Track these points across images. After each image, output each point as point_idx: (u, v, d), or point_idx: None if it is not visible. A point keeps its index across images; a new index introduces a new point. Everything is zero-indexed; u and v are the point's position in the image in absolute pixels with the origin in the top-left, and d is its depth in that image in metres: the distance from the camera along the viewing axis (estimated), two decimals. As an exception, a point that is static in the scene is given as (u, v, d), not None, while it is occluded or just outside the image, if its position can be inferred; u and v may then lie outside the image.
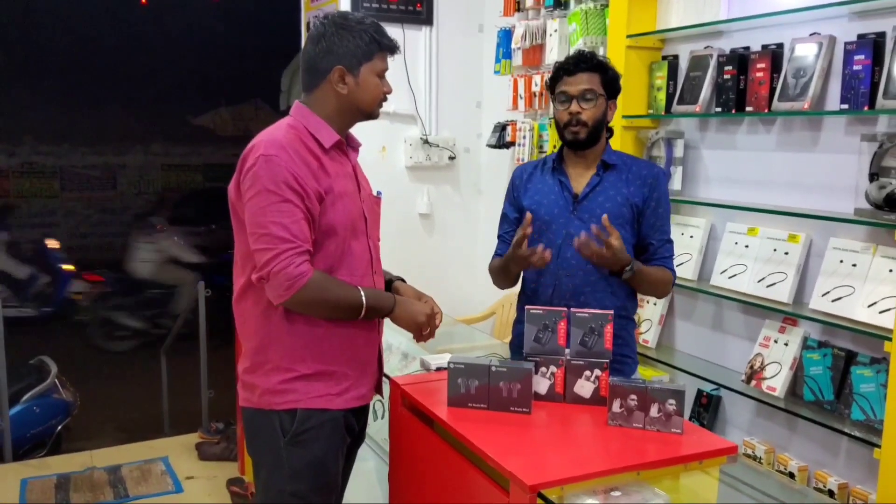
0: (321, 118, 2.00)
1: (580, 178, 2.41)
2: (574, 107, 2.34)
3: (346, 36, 1.97)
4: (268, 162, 1.87)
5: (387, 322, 2.15)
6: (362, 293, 1.97)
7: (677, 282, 3.12)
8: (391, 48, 2.04)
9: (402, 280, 2.27)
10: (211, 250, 10.44)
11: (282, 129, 1.96)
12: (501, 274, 2.48)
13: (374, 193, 2.23)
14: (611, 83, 2.38)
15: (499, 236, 2.57)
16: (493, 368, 1.99)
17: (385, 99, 2.08)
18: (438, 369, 2.35)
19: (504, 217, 2.56)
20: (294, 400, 1.98)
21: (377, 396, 2.32)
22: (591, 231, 2.27)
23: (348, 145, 2.09)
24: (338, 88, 1.99)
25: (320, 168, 1.94)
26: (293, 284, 1.85)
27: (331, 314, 1.97)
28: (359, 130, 2.15)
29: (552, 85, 2.42)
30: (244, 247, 1.96)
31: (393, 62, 2.09)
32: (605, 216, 2.21)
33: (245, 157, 1.93)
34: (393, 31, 4.27)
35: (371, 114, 2.07)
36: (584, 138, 2.35)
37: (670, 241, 2.44)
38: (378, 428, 2.89)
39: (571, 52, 2.83)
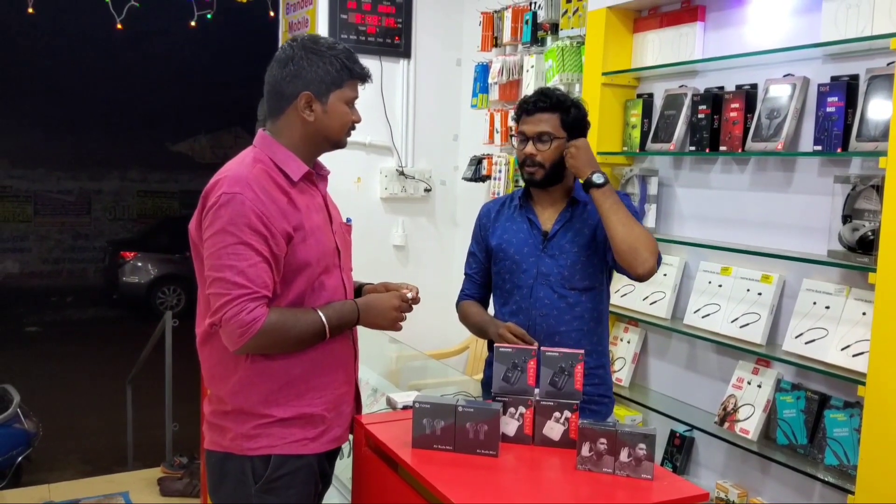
0: (287, 148, 1.90)
1: (548, 215, 2.38)
2: (530, 148, 2.30)
3: (315, 61, 1.88)
4: (231, 200, 1.77)
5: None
6: (322, 316, 1.86)
7: (651, 320, 3.10)
8: (362, 76, 1.95)
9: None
10: (187, 278, 10.31)
11: (247, 163, 1.85)
12: (475, 331, 2.44)
13: (344, 220, 2.16)
14: (573, 123, 2.31)
15: (466, 274, 2.52)
16: (460, 409, 1.92)
17: (353, 128, 1.99)
18: (405, 407, 2.29)
19: (471, 255, 2.51)
20: (269, 445, 1.87)
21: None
22: (562, 265, 2.29)
23: (317, 174, 2.00)
24: (304, 115, 1.89)
25: (289, 203, 1.85)
26: (246, 331, 1.75)
27: (294, 348, 1.88)
28: (333, 160, 2.08)
29: (516, 120, 2.38)
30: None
31: (366, 92, 2.01)
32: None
33: (207, 193, 1.83)
34: (371, 63, 4.25)
35: (338, 143, 1.97)
36: (539, 179, 2.32)
37: None
38: (344, 467, 2.81)
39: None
